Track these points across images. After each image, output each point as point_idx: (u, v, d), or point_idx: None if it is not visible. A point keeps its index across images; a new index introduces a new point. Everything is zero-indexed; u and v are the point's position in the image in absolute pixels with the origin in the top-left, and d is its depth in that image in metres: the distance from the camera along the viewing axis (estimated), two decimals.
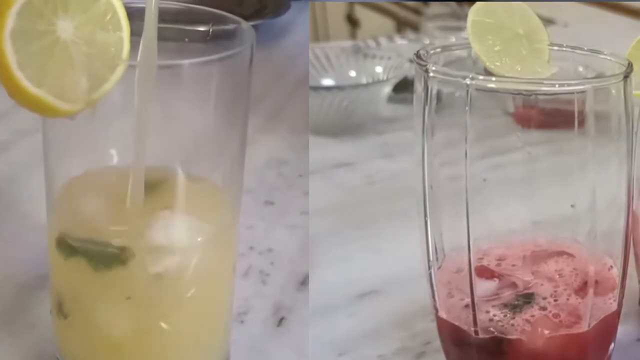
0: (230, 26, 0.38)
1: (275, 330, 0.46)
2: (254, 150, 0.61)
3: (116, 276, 0.36)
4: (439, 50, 0.40)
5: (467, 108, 0.37)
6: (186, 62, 0.34)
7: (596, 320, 0.38)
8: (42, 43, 0.32)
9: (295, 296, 0.49)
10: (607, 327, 0.40)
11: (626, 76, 0.37)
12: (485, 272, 0.40)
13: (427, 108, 0.38)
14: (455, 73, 0.37)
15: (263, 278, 0.50)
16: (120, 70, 0.34)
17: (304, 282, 0.50)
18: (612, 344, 0.41)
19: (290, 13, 0.90)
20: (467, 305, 0.39)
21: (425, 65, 0.38)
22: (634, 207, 0.41)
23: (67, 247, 0.37)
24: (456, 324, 0.39)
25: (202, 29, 0.39)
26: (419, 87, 0.39)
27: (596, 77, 0.38)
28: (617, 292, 0.39)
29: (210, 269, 0.38)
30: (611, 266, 0.39)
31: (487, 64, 0.39)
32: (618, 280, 0.39)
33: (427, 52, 0.39)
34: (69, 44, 0.33)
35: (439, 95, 0.38)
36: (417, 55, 0.39)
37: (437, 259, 0.40)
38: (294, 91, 0.77)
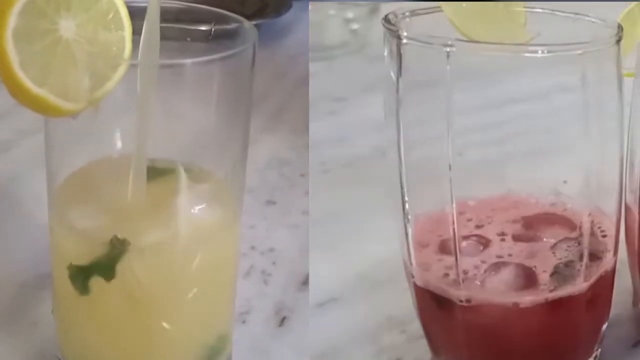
0: (232, 25, 0.38)
1: (277, 330, 0.46)
2: (256, 150, 0.61)
3: (117, 274, 0.36)
4: (407, 14, 0.37)
5: (448, 78, 0.34)
6: (188, 61, 0.34)
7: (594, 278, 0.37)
8: (44, 42, 0.32)
9: (297, 296, 0.49)
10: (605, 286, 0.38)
11: (618, 40, 0.35)
12: (468, 237, 0.38)
13: (400, 80, 0.35)
14: (434, 39, 0.34)
15: (265, 278, 0.50)
16: (122, 69, 0.33)
17: (306, 282, 0.50)
18: (605, 324, 0.40)
19: (292, 12, 0.90)
20: (449, 270, 0.37)
21: (397, 31, 0.34)
22: (626, 200, 0.39)
23: (78, 274, 0.37)
24: (437, 292, 0.37)
25: (204, 28, 0.39)
26: (389, 56, 0.35)
27: (587, 41, 0.34)
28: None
29: (212, 267, 0.38)
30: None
31: (461, 29, 0.36)
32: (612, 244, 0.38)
33: (396, 16, 0.36)
34: (71, 43, 0.33)
35: (413, 64, 0.35)
36: (386, 19, 0.35)
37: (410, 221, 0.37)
38: (295, 91, 0.77)
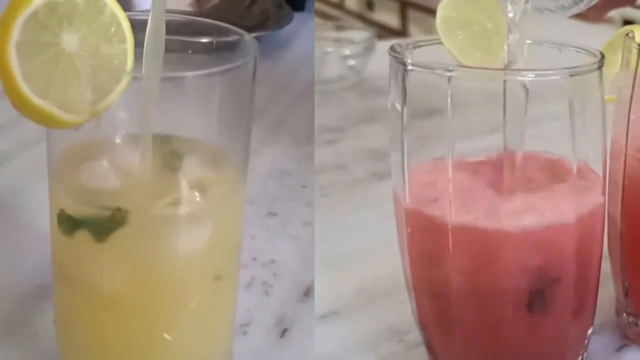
0: (234, 38, 0.38)
1: (278, 342, 0.46)
2: (257, 162, 0.61)
3: (119, 246, 0.35)
4: (410, 45, 0.40)
5: (449, 100, 0.36)
6: (190, 74, 0.34)
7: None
8: (46, 55, 0.32)
9: (298, 307, 0.49)
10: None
11: (600, 66, 0.38)
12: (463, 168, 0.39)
13: (405, 106, 0.38)
14: (436, 65, 0.37)
15: (266, 289, 0.50)
16: (124, 81, 0.34)
17: (307, 293, 0.50)
18: (590, 329, 0.42)
19: (293, 25, 0.91)
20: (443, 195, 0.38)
21: (403, 59, 0.38)
22: (610, 211, 0.42)
23: (68, 220, 0.36)
24: (429, 213, 0.38)
25: (205, 40, 0.39)
26: (395, 82, 0.38)
27: (572, 66, 0.38)
28: None
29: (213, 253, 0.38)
30: None
31: (459, 58, 0.40)
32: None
33: (401, 46, 0.39)
34: (73, 56, 0.33)
35: (417, 89, 0.37)
36: (392, 49, 0.38)
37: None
38: (296, 102, 0.77)
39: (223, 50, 0.38)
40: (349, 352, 0.45)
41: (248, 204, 0.40)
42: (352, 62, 0.87)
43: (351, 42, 0.89)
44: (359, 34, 0.91)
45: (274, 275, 0.51)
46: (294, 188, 0.62)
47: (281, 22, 0.90)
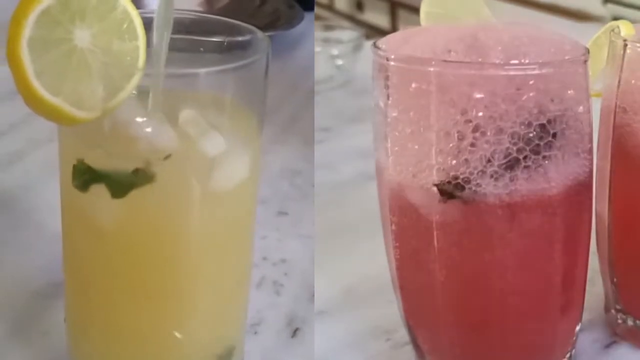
0: (246, 36, 0.38)
1: (289, 342, 0.46)
2: (268, 161, 0.61)
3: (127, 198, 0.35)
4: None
5: (433, 96, 0.36)
6: (202, 70, 0.34)
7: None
8: (59, 51, 0.32)
9: (309, 307, 0.48)
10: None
11: (585, 60, 0.37)
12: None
13: (388, 102, 0.37)
14: (420, 59, 0.36)
15: (277, 289, 0.50)
16: (136, 78, 0.34)
17: None
18: (578, 326, 0.42)
19: (304, 24, 0.91)
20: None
21: (386, 54, 0.37)
22: (598, 209, 0.42)
23: (86, 171, 0.35)
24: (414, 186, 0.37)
25: (217, 39, 0.39)
26: (377, 78, 0.38)
27: (557, 60, 0.37)
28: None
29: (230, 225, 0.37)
30: None
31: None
32: None
33: (384, 42, 0.39)
34: (85, 52, 0.33)
35: (399, 84, 0.37)
36: (375, 45, 0.38)
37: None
38: (307, 102, 0.77)
39: (235, 48, 0.38)
40: (337, 351, 0.45)
41: (258, 204, 0.40)
42: (340, 62, 0.87)
43: (339, 41, 0.89)
44: (347, 33, 0.91)
45: (285, 274, 0.51)
46: (305, 187, 0.62)
47: (292, 21, 0.90)
